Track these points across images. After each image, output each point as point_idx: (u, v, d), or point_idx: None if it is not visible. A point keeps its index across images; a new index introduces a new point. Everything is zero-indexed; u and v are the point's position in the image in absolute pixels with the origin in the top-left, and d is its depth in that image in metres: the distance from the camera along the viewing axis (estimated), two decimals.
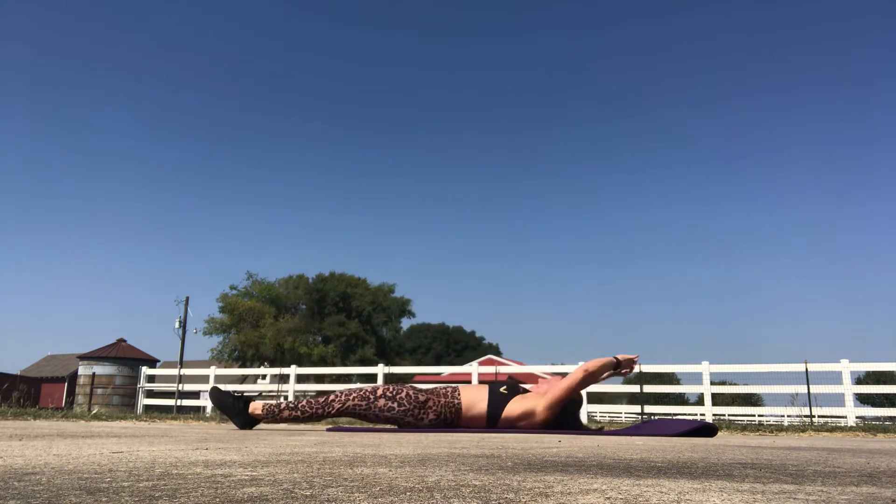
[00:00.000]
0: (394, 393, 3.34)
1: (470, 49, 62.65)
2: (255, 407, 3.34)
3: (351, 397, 3.34)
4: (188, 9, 57.83)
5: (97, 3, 54.39)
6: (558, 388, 3.35)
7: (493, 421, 3.36)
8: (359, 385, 3.51)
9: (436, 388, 3.45)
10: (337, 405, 3.32)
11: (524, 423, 3.36)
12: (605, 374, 3.48)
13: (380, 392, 3.34)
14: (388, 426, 3.40)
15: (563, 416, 3.41)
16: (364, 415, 3.35)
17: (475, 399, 3.36)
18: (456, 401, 3.34)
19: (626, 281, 63.81)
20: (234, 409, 3.33)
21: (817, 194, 57.89)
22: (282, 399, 15.63)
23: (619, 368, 3.48)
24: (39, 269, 54.35)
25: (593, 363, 3.42)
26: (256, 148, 57.95)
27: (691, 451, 1.91)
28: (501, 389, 3.39)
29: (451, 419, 3.35)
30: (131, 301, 54.67)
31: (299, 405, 3.37)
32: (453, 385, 3.46)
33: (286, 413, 3.35)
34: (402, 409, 3.30)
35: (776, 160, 56.69)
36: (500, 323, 69.00)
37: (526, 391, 3.48)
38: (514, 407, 3.34)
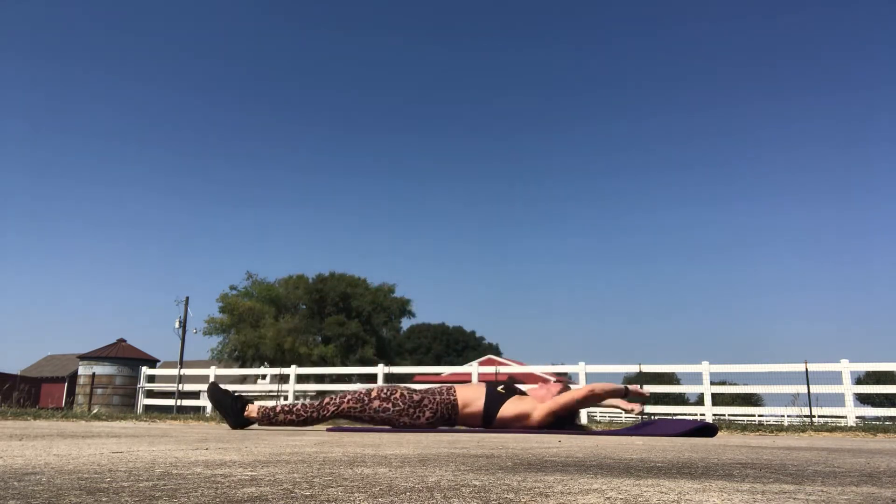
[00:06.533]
0: (388, 393, 3.35)
1: (471, 51, 62.71)
2: (251, 410, 3.34)
3: (346, 399, 3.35)
4: (189, 10, 57.84)
5: (97, 4, 54.41)
6: (561, 400, 3.36)
7: (488, 420, 3.38)
8: (354, 387, 3.50)
9: (430, 388, 3.46)
10: (332, 408, 3.34)
11: (518, 425, 3.38)
12: (610, 402, 3.48)
13: (374, 393, 3.35)
14: (387, 427, 3.40)
15: (558, 423, 3.43)
16: (359, 416, 3.36)
17: (472, 397, 3.38)
18: (452, 398, 3.37)
19: (627, 281, 63.82)
20: (231, 408, 3.33)
21: (817, 194, 57.89)
22: (280, 400, 15.60)
23: (625, 397, 3.48)
24: (39, 269, 54.36)
25: (601, 386, 3.42)
26: (256, 148, 57.97)
27: (691, 451, 1.91)
28: (499, 388, 3.41)
29: (449, 416, 3.37)
30: (131, 301, 54.62)
31: (294, 408, 3.38)
32: (449, 384, 3.47)
33: (282, 416, 3.36)
34: (397, 409, 3.32)
35: (776, 160, 56.71)
36: (500, 323, 68.98)
37: (523, 393, 3.49)
38: (510, 407, 3.36)
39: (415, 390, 3.43)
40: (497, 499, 0.83)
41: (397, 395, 3.34)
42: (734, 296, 62.69)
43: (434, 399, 3.35)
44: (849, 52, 54.92)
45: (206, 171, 56.14)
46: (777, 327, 60.41)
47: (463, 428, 3.96)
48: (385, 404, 3.32)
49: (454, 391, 3.41)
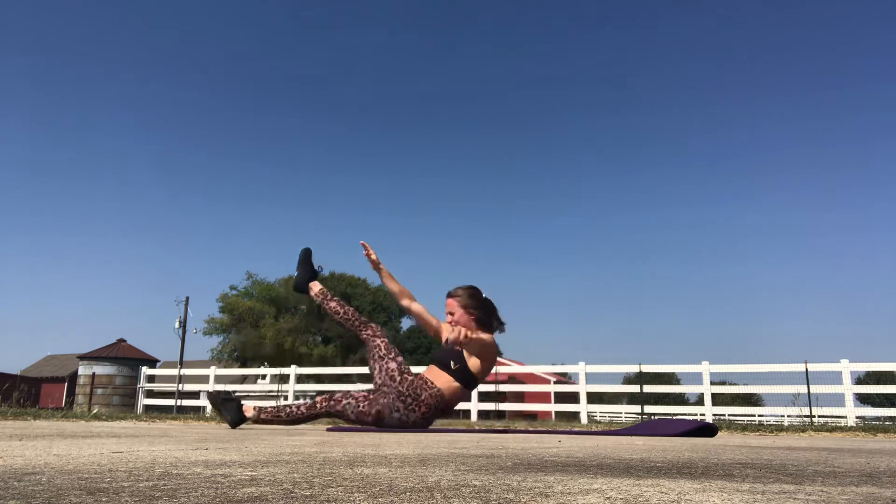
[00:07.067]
0: (404, 369, 3.44)
1: (467, 48, 62.68)
2: (248, 408, 3.46)
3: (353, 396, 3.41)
4: (189, 7, 57.85)
5: (98, 2, 54.41)
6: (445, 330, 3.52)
7: (473, 385, 3.48)
8: (355, 387, 3.53)
9: (416, 383, 3.45)
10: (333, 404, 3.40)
11: (487, 363, 3.46)
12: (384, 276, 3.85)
13: (401, 359, 3.48)
14: (386, 428, 3.39)
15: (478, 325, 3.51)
16: (371, 358, 3.48)
17: (448, 382, 3.40)
18: (436, 389, 3.38)
19: (627, 281, 63.82)
20: (227, 400, 3.48)
21: (817, 194, 57.91)
22: (281, 400, 15.59)
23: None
24: (39, 269, 54.34)
25: (403, 296, 3.77)
26: (256, 148, 57.97)
27: (691, 451, 1.91)
28: (454, 367, 3.42)
29: (439, 407, 3.39)
30: (131, 301, 54.58)
31: (290, 407, 3.47)
32: (421, 377, 3.46)
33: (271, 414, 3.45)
34: (401, 388, 3.35)
35: (776, 159, 56.72)
36: None
37: (459, 350, 3.51)
38: (474, 365, 3.42)
39: (422, 386, 3.44)
40: (497, 499, 0.83)
41: (410, 377, 3.41)
42: (734, 296, 62.73)
43: (430, 394, 3.37)
44: (849, 52, 54.94)
45: (207, 171, 56.16)
46: (777, 327, 60.45)
47: (463, 427, 3.97)
48: (396, 374, 3.39)
49: (432, 382, 3.42)
